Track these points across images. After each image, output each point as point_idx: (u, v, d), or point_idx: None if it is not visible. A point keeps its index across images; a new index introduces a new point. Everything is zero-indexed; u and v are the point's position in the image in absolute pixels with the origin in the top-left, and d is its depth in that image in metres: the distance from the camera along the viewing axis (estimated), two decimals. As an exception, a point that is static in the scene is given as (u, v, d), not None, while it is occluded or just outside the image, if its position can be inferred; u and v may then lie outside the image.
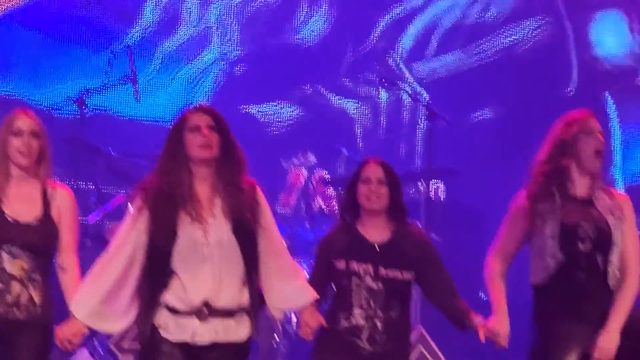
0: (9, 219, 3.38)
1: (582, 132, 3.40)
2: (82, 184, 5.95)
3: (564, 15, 6.95)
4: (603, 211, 3.48)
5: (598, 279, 3.50)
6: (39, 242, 3.40)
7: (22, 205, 3.40)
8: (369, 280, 3.43)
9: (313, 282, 3.46)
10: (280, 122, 6.78)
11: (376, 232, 3.45)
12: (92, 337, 5.06)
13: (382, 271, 3.43)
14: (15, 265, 3.42)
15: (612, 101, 7.09)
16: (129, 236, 3.08)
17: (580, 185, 3.46)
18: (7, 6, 6.66)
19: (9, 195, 3.37)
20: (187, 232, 3.04)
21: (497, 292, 3.61)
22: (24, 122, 3.43)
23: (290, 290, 3.26)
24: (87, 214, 5.46)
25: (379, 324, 3.41)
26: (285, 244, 3.45)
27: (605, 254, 3.49)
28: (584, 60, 7.11)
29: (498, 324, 3.46)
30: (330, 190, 5.93)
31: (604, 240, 3.51)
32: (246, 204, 3.09)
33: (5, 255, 3.39)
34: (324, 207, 5.94)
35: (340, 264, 3.42)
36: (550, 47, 6.95)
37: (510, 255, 3.60)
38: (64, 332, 3.22)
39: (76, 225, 3.48)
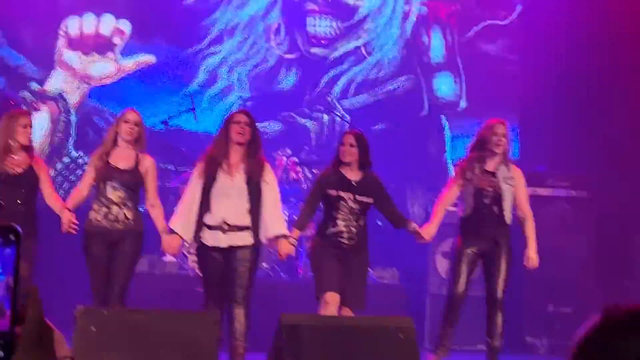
0: (112, 165, 4.48)
1: (490, 133, 4.89)
2: (162, 165, 6.76)
3: (420, 74, 8.96)
4: (501, 180, 4.88)
5: (494, 218, 4.89)
6: (130, 181, 4.50)
7: (122, 161, 4.50)
8: (350, 202, 4.48)
9: (308, 202, 4.64)
10: (272, 131, 8.26)
11: (352, 174, 4.51)
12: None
13: (358, 197, 4.52)
14: (114, 194, 4.47)
15: (446, 121, 9.01)
16: (196, 179, 4.22)
17: (491, 164, 4.88)
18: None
19: (113, 155, 4.52)
20: (221, 179, 4.15)
21: (438, 213, 4.93)
22: (132, 115, 4.60)
23: (270, 225, 4.23)
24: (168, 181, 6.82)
25: (353, 229, 4.51)
26: (279, 200, 4.52)
27: (499, 205, 4.86)
28: (430, 99, 8.99)
29: (427, 229, 4.76)
30: (298, 168, 7.52)
31: (498, 198, 4.86)
32: (256, 169, 4.23)
33: (109, 188, 4.47)
34: (294, 176, 7.48)
35: (333, 192, 4.46)
36: (411, 90, 8.86)
37: (452, 199, 5.07)
38: (169, 243, 4.35)
39: (155, 180, 4.54)
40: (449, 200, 5.01)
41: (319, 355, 4.11)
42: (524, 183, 5.06)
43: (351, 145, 4.42)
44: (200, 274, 4.69)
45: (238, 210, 4.24)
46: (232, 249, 4.28)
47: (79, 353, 3.84)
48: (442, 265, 7.24)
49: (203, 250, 4.46)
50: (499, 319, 4.95)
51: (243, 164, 4.24)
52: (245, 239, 4.28)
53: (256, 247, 4.35)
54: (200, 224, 4.31)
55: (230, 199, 4.24)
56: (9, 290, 0.75)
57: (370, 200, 4.50)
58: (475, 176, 4.87)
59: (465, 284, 5.00)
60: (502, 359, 5.38)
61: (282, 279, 6.97)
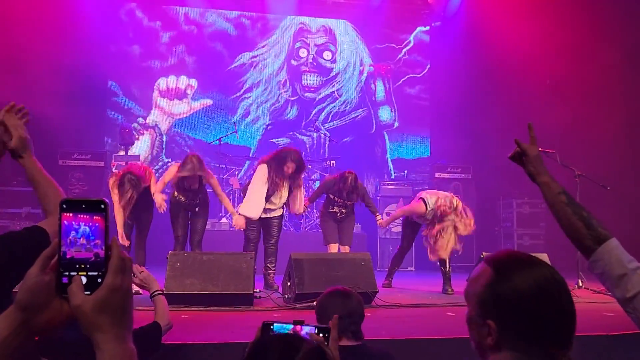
0: (186, 187, 5.61)
1: (418, 215, 5.91)
2: (217, 165, 8.95)
3: (370, 107, 10.76)
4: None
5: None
6: (197, 189, 5.72)
7: (193, 184, 5.63)
8: (341, 202, 6.03)
9: (316, 193, 6.25)
10: (283, 144, 9.84)
11: (345, 188, 5.92)
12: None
13: (346, 201, 6.04)
14: (186, 195, 5.66)
15: (386, 135, 10.50)
16: (263, 181, 5.66)
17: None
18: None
19: (186, 180, 5.56)
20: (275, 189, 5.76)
21: (396, 215, 6.19)
22: (191, 159, 5.54)
23: (298, 205, 5.95)
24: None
25: (344, 211, 6.11)
26: (303, 195, 6.04)
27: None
28: (376, 122, 10.63)
29: (384, 221, 6.09)
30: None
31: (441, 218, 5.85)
32: (296, 182, 5.88)
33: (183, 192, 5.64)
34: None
35: (332, 196, 5.96)
36: (365, 117, 10.64)
37: (411, 214, 6.01)
38: (237, 222, 5.60)
39: (218, 185, 5.77)
40: (408, 211, 6.05)
41: (312, 276, 4.72)
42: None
43: (351, 184, 6.04)
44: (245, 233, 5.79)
45: (280, 201, 5.80)
46: (269, 219, 5.79)
47: (170, 279, 4.54)
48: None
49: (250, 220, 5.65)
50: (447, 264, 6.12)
51: (286, 183, 5.73)
52: (278, 212, 5.91)
53: (281, 219, 5.74)
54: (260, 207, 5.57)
55: (276, 195, 5.72)
56: (104, 243, 0.85)
57: (354, 201, 6.09)
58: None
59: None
60: (421, 275, 7.64)
61: (292, 232, 8.86)
